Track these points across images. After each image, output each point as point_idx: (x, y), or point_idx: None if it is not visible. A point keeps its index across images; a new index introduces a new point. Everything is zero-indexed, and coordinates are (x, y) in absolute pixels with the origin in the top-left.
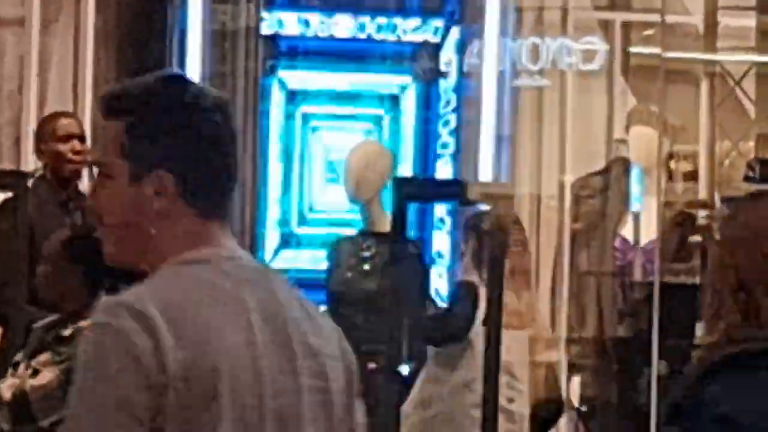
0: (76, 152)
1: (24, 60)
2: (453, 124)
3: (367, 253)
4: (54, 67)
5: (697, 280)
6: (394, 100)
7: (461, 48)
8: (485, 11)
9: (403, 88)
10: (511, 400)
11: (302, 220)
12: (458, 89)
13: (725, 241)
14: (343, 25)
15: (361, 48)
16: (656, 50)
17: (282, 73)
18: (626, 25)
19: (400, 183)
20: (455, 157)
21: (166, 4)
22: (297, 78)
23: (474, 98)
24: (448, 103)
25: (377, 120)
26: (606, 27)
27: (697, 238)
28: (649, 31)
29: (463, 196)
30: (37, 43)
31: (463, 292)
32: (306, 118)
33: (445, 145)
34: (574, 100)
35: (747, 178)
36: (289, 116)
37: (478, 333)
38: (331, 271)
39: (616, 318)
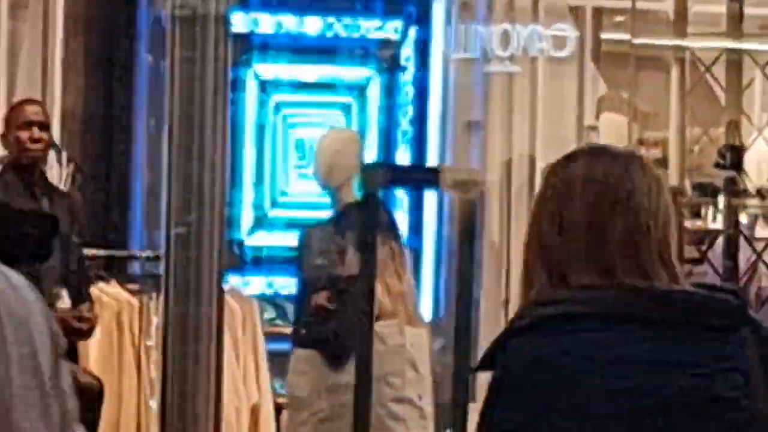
0: (35, 140)
1: None
2: (411, 114)
3: (338, 239)
4: (23, 53)
5: None
6: (361, 90)
7: (418, 45)
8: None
9: (368, 79)
10: (420, 397)
11: (274, 204)
12: (415, 82)
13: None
14: (312, 25)
15: (329, 43)
16: (627, 36)
17: (256, 66)
18: (597, 12)
19: (370, 169)
20: (413, 144)
21: None
22: (270, 70)
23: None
24: (407, 94)
25: (346, 108)
26: (577, 13)
27: None
28: (620, 18)
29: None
30: (5, 29)
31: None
32: (278, 106)
33: (405, 133)
34: (545, 86)
35: (717, 165)
36: (262, 105)
37: (391, 326)
38: (301, 257)
39: None
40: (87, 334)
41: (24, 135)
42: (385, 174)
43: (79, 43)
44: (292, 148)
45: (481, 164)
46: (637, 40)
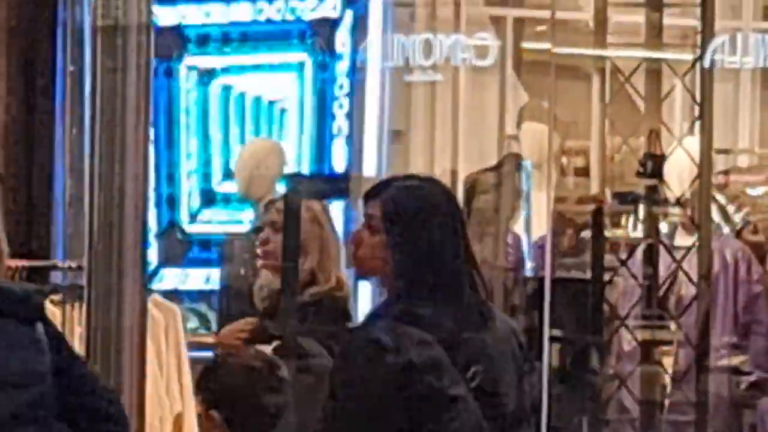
0: None
1: None
2: (346, 108)
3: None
4: None
5: (588, 274)
6: (298, 76)
7: (354, 32)
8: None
9: (302, 64)
10: None
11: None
12: (350, 74)
13: None
14: (242, 12)
15: (261, 30)
16: (548, 46)
17: (190, 59)
18: (518, 21)
19: (291, 180)
20: (349, 141)
21: None
22: (204, 62)
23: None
24: (341, 86)
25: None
26: (498, 23)
27: (587, 232)
28: (542, 27)
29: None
30: None
31: None
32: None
33: (340, 129)
34: (467, 95)
35: (638, 174)
36: (202, 92)
37: None
38: (223, 267)
39: (508, 312)
40: None
41: None
42: (305, 185)
43: (1, 52)
44: (234, 123)
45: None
46: (558, 50)
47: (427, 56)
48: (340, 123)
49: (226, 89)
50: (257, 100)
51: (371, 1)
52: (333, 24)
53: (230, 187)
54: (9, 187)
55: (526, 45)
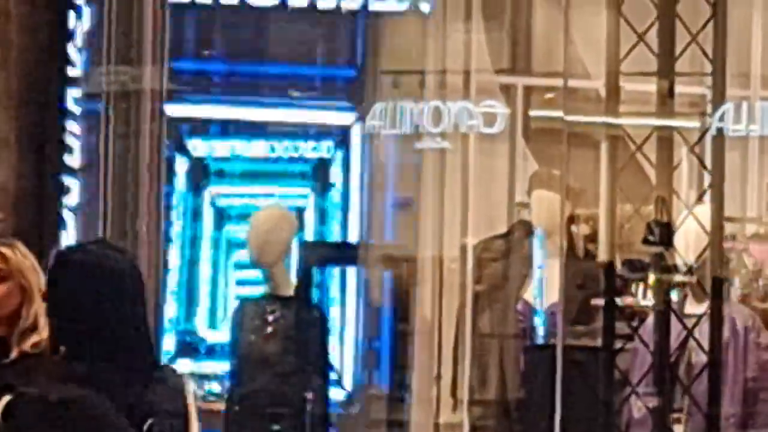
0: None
1: None
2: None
3: (270, 317)
4: None
5: (599, 342)
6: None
7: (344, 167)
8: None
9: (306, 196)
10: None
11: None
12: (343, 196)
13: None
14: (259, 147)
15: (274, 164)
16: (557, 113)
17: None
18: (528, 89)
19: (305, 247)
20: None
21: (66, 64)
22: (223, 191)
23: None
24: (337, 205)
25: None
26: (508, 91)
27: (599, 300)
28: (550, 95)
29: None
30: None
31: None
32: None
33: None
34: (476, 162)
35: (645, 241)
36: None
37: None
38: (234, 334)
39: (518, 380)
40: None
41: None
42: (321, 251)
43: (12, 118)
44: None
45: (412, 241)
46: (569, 117)
47: (437, 123)
48: (335, 229)
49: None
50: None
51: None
52: (328, 162)
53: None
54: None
55: (535, 112)
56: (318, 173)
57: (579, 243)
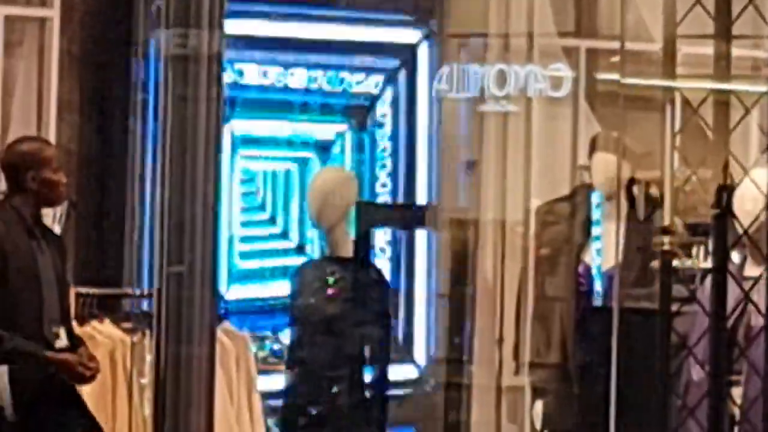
0: (64, 184)
1: None
2: (389, 167)
3: (330, 279)
4: (18, 91)
5: (656, 305)
6: (328, 148)
7: (396, 102)
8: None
9: (341, 135)
10: None
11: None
12: (392, 137)
13: None
14: (297, 78)
15: (309, 99)
16: (618, 77)
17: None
18: (591, 52)
19: (364, 208)
20: (393, 194)
21: (130, 27)
22: (242, 126)
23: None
24: (384, 149)
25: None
26: (570, 54)
27: (657, 263)
28: (615, 58)
29: (424, 221)
30: (1, 66)
31: None
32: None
33: (384, 185)
34: (540, 126)
35: (714, 206)
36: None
37: None
38: (294, 296)
39: (578, 343)
40: (90, 379)
41: (56, 177)
42: (378, 213)
43: (74, 80)
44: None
45: (475, 204)
46: (627, 81)
47: (501, 87)
48: (384, 180)
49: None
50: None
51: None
52: (374, 99)
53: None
54: (82, 216)
55: (598, 76)
56: (361, 110)
57: (640, 205)
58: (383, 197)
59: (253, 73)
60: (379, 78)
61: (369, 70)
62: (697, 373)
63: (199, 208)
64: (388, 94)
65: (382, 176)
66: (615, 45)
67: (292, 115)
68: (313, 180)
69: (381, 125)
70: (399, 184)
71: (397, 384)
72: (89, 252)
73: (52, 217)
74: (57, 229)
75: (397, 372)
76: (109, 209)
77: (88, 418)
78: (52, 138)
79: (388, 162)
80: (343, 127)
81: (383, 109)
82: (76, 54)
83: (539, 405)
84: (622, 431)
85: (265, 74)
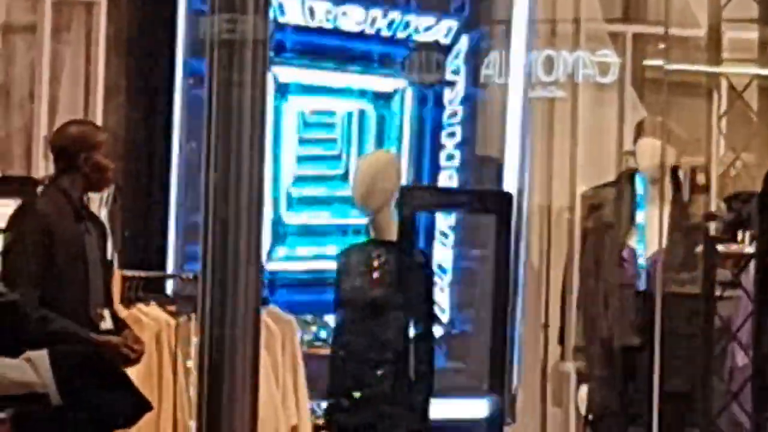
0: (112, 169)
1: (35, 67)
2: (458, 137)
3: (376, 262)
4: (65, 75)
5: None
6: (387, 100)
7: (471, 58)
8: (511, 23)
9: (402, 91)
10: None
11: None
12: (465, 101)
13: None
14: (352, 18)
15: (362, 48)
16: (664, 63)
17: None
18: (638, 38)
19: (409, 193)
20: (460, 170)
21: (176, 12)
22: (289, 73)
23: (490, 109)
24: (454, 114)
25: (364, 116)
26: (617, 39)
27: (702, 248)
28: (662, 45)
29: (470, 206)
30: (48, 51)
31: None
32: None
33: (450, 157)
34: (586, 111)
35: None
36: (277, 110)
37: None
38: (339, 278)
39: (624, 328)
40: (135, 362)
41: (106, 162)
42: (423, 197)
43: (121, 65)
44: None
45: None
46: (672, 67)
47: (548, 72)
48: (450, 151)
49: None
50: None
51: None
52: (442, 50)
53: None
54: (128, 200)
55: (645, 62)
56: (425, 62)
57: (685, 190)
58: (447, 172)
59: (295, 10)
60: (452, 23)
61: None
62: (741, 358)
63: (245, 191)
64: (463, 42)
65: (449, 145)
66: (661, 30)
67: (340, 65)
68: (359, 164)
69: (451, 84)
70: (469, 158)
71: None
72: (135, 236)
73: (99, 201)
74: (103, 213)
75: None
76: (155, 193)
77: (136, 397)
78: (98, 122)
79: (458, 130)
80: (401, 83)
81: (456, 63)
82: (122, 39)
83: (584, 389)
84: (665, 415)
85: (311, 12)
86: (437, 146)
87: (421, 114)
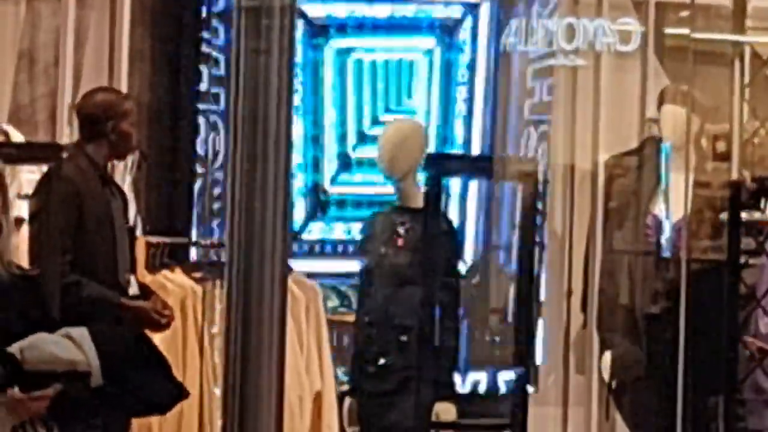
0: (135, 136)
1: (60, 33)
2: (464, 94)
3: (401, 229)
4: (90, 41)
5: (725, 257)
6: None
7: (473, 32)
8: None
9: (431, 50)
10: None
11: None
12: (470, 65)
13: None
14: (381, 11)
15: (396, 21)
16: (687, 31)
17: (334, 42)
18: (660, 6)
19: (433, 159)
20: (466, 122)
21: None
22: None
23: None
24: (462, 75)
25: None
26: (640, 8)
27: (726, 215)
28: (685, 13)
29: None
30: (73, 17)
31: None
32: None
33: (460, 111)
34: (608, 80)
35: None
36: (338, 63)
37: None
38: (364, 244)
39: (647, 295)
40: (165, 327)
41: (132, 129)
42: (448, 163)
43: (146, 31)
44: (368, 99)
45: (543, 156)
46: (696, 35)
47: (570, 41)
48: (460, 107)
49: (360, 63)
50: (388, 69)
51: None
52: (456, 22)
53: (364, 152)
54: (153, 166)
55: (667, 30)
56: (445, 29)
57: (708, 158)
58: (457, 121)
59: (340, 10)
60: (459, 7)
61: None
62: (765, 325)
63: (272, 159)
64: (468, 21)
65: (459, 101)
66: None
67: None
68: (383, 132)
69: (461, 49)
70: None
71: None
72: (160, 202)
73: (123, 167)
74: (128, 180)
75: None
76: (180, 159)
77: (175, 383)
78: (123, 88)
79: (464, 89)
80: (431, 41)
81: (464, 34)
82: (147, 4)
83: (608, 357)
84: (690, 383)
85: (351, 11)
86: (453, 99)
87: (446, 70)
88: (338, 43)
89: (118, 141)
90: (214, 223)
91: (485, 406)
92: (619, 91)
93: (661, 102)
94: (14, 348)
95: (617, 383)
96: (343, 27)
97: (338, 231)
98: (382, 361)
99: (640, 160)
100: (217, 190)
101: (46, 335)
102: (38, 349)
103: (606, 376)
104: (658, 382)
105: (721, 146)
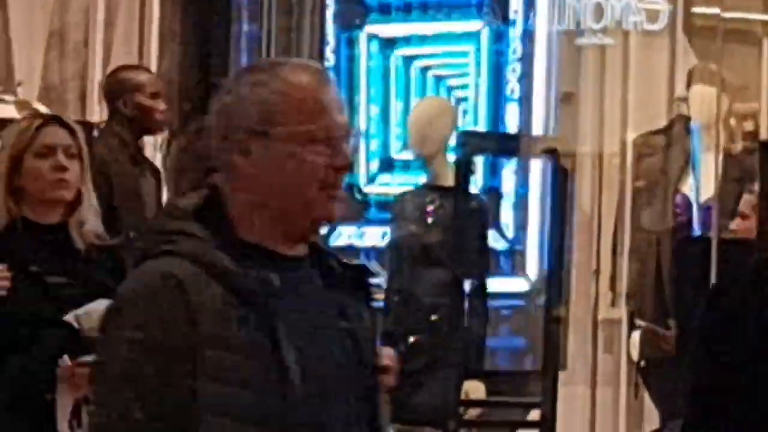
0: (161, 111)
1: (90, 12)
2: (518, 72)
3: (431, 207)
4: (120, 20)
5: (754, 236)
6: (474, 43)
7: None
8: None
9: (478, 33)
10: None
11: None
12: (523, 39)
13: None
14: None
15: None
16: (717, 11)
17: (371, 27)
18: None
19: (463, 137)
20: (521, 102)
21: None
22: (384, 30)
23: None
24: (515, 51)
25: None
26: None
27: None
28: None
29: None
30: None
31: None
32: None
33: (513, 91)
34: (637, 59)
35: None
36: (382, 57)
37: None
38: (395, 223)
39: (675, 274)
40: None
41: (150, 103)
42: (478, 141)
43: (176, 9)
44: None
45: (572, 135)
46: (727, 14)
47: (598, 20)
48: (513, 86)
49: (407, 60)
50: (435, 70)
51: None
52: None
53: (408, 155)
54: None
55: (696, 9)
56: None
57: (737, 137)
58: (511, 104)
59: None
60: None
61: None
62: None
63: None
64: None
65: (512, 80)
66: None
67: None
68: (412, 111)
69: (513, 22)
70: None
71: (508, 296)
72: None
73: (154, 145)
74: (158, 157)
75: (509, 284)
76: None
77: None
78: (153, 67)
79: (518, 66)
80: (478, 24)
81: (515, 4)
82: None
83: (636, 335)
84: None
85: None
86: (505, 81)
87: (495, 52)
88: (377, 29)
89: (137, 116)
90: None
91: (514, 384)
92: (648, 70)
93: (689, 81)
94: (70, 316)
95: (645, 362)
96: (384, 8)
97: (372, 236)
98: (411, 339)
99: (668, 139)
100: None
101: (103, 301)
102: (94, 316)
103: (634, 355)
104: (687, 360)
105: (749, 125)
